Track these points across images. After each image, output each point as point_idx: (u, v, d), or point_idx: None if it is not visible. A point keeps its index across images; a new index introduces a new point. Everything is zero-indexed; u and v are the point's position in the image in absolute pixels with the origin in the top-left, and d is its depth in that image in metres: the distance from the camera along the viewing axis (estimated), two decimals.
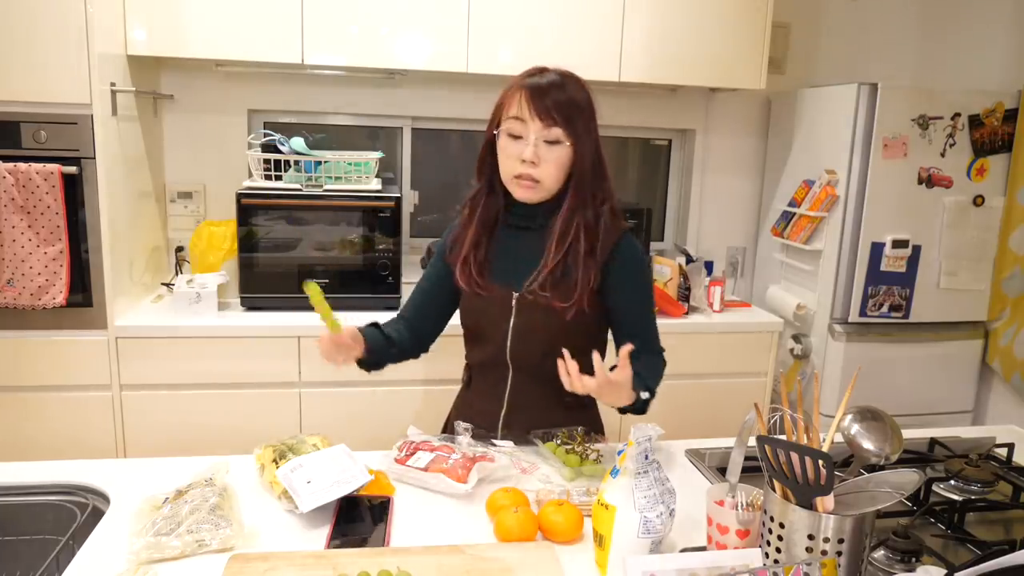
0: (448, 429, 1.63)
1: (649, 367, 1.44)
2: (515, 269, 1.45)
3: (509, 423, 1.51)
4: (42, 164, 2.07)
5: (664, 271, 2.70)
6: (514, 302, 1.44)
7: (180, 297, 2.34)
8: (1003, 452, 1.54)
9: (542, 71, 1.40)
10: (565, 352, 1.25)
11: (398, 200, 2.44)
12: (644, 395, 1.34)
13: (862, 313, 2.68)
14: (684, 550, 1.13)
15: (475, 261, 1.45)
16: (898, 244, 2.64)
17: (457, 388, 1.68)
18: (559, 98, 1.35)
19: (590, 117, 1.40)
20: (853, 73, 3.00)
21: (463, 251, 1.46)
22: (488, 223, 1.47)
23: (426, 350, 1.60)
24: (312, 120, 2.86)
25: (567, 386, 1.25)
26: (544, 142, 1.35)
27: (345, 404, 2.37)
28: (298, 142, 2.45)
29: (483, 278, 1.45)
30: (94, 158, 2.12)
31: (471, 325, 1.53)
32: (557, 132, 1.35)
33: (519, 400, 1.50)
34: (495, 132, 1.40)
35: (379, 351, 1.48)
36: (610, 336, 1.52)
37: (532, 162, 1.35)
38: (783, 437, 1.03)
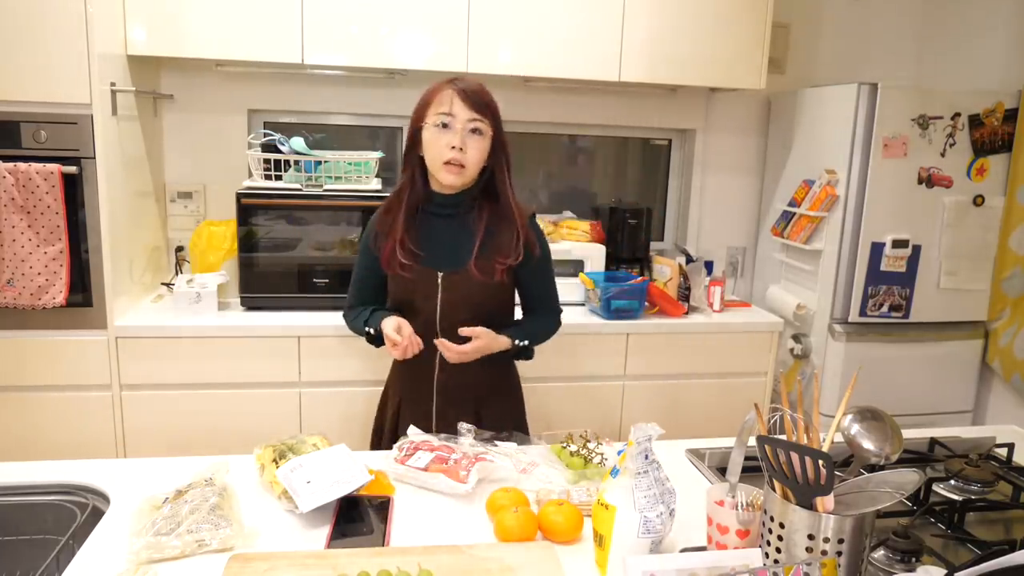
0: (385, 401, 1.86)
1: (539, 322, 1.78)
2: (439, 251, 1.65)
3: (443, 384, 1.71)
4: (42, 164, 2.07)
5: (664, 271, 2.70)
6: (440, 280, 1.64)
7: (180, 297, 2.34)
8: (1003, 452, 1.55)
9: (461, 78, 1.61)
10: (440, 342, 1.61)
11: None
12: (520, 342, 1.69)
13: (862, 313, 2.68)
14: (684, 550, 1.13)
15: (402, 247, 1.63)
16: (898, 244, 2.64)
17: None
18: (483, 96, 1.59)
19: (499, 118, 1.63)
20: (853, 73, 3.00)
21: (395, 236, 1.64)
22: (412, 211, 1.66)
23: None
24: (312, 120, 2.86)
25: (450, 359, 1.61)
26: (469, 131, 1.56)
27: (345, 404, 2.37)
28: (298, 142, 2.45)
29: (411, 261, 1.64)
30: (94, 158, 2.12)
31: (402, 301, 1.70)
32: (481, 123, 1.56)
33: (449, 364, 1.66)
34: (421, 126, 1.59)
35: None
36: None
37: (460, 148, 1.55)
38: (783, 437, 1.03)
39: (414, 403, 1.74)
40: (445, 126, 1.56)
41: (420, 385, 1.73)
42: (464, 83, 1.59)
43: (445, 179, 1.58)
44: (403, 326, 1.61)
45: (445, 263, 1.64)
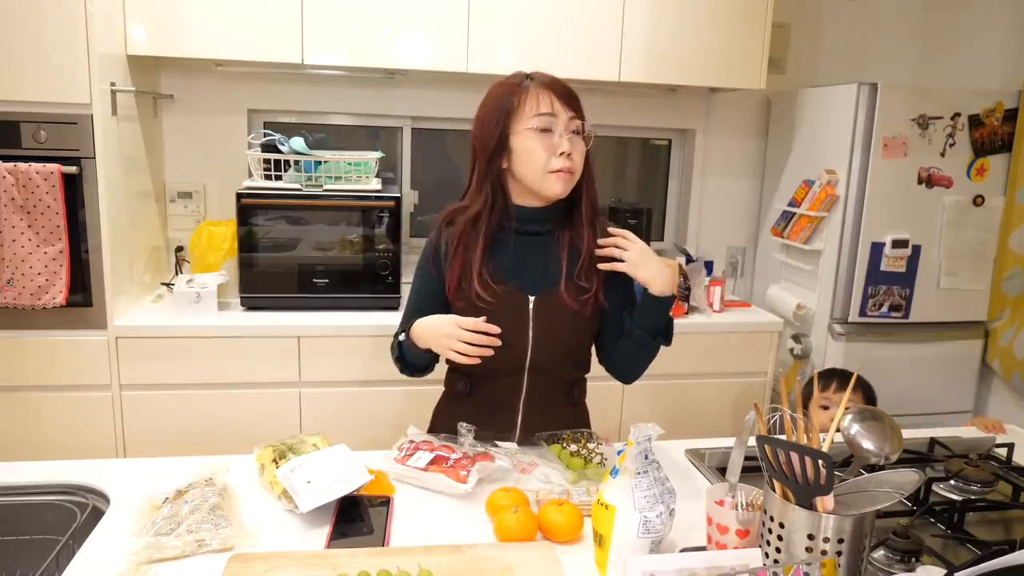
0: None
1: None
2: (526, 274, 1.43)
3: (525, 430, 1.49)
4: (42, 164, 2.07)
5: None
6: (531, 307, 1.43)
7: (180, 297, 2.34)
8: (1003, 452, 1.55)
9: (537, 73, 1.40)
10: (611, 230, 1.42)
11: (398, 200, 2.44)
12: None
13: (862, 313, 2.68)
14: (684, 550, 1.13)
15: (480, 276, 1.40)
16: (898, 244, 2.63)
17: None
18: (574, 95, 1.39)
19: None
20: (853, 73, 3.00)
21: (475, 266, 1.40)
22: (492, 235, 1.43)
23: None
24: (312, 120, 2.85)
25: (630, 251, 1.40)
26: (572, 132, 1.37)
27: (345, 404, 2.37)
28: (298, 142, 2.45)
29: (499, 286, 1.41)
30: (94, 158, 2.12)
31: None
32: (580, 124, 1.38)
33: (535, 405, 1.49)
34: (508, 134, 1.36)
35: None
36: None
37: (569, 154, 1.35)
38: (783, 437, 1.03)
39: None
40: (547, 130, 1.34)
41: (495, 430, 1.46)
42: (547, 78, 1.38)
43: (553, 189, 1.36)
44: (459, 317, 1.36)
45: (535, 286, 1.43)
